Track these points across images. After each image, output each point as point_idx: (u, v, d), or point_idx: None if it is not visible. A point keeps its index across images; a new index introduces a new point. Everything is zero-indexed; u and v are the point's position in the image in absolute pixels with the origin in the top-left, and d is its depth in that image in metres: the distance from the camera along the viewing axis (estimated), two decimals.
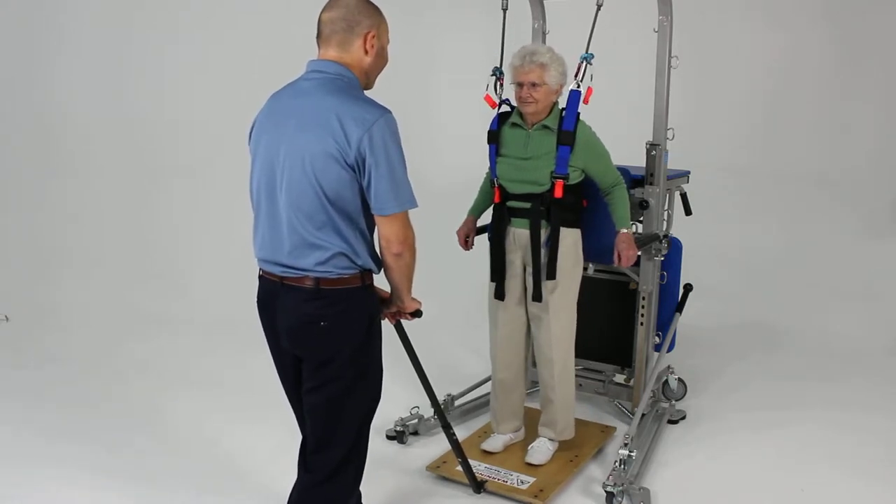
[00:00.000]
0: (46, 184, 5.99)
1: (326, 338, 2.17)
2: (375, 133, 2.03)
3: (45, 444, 3.51)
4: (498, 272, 3.24)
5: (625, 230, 3.17)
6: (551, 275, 3.12)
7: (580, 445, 3.39)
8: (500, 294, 3.26)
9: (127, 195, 5.99)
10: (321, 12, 2.20)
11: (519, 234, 3.19)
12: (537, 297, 3.16)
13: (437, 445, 3.47)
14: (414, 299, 2.39)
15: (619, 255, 3.13)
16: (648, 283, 3.57)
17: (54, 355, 4.65)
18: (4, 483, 3.18)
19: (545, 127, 3.10)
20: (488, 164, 3.37)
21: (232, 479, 3.21)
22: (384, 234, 2.14)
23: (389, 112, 2.09)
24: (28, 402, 3.98)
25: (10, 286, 5.54)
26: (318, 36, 2.20)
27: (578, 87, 3.12)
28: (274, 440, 3.47)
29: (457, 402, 3.76)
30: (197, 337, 4.95)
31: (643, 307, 3.61)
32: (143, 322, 5.18)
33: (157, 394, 4.09)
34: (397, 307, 2.40)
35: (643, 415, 3.47)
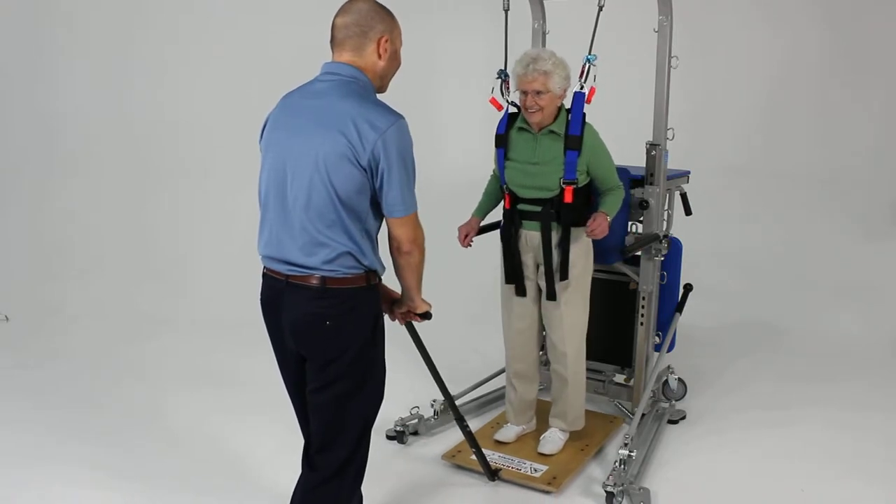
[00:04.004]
0: (48, 183, 6.00)
1: (332, 337, 2.17)
2: (389, 138, 2.05)
3: (45, 443, 3.51)
4: (513, 274, 3.29)
5: (606, 213, 3.13)
6: (564, 276, 3.18)
7: (590, 435, 3.48)
8: (521, 291, 3.31)
9: (128, 195, 6.00)
10: (335, 17, 2.20)
11: (531, 236, 3.22)
12: (551, 296, 3.21)
13: (437, 445, 3.48)
14: (424, 301, 2.42)
15: (590, 228, 3.07)
16: (648, 283, 3.57)
17: (55, 355, 4.65)
18: (5, 483, 3.18)
19: (552, 132, 3.12)
20: (492, 166, 3.39)
21: (233, 479, 3.21)
22: (395, 235, 2.17)
23: (403, 118, 2.11)
24: (29, 401, 3.98)
25: (11, 286, 5.54)
26: (332, 40, 2.21)
27: (582, 88, 3.14)
28: (275, 439, 3.48)
29: (469, 397, 3.81)
30: (198, 337, 4.95)
31: (643, 307, 3.61)
32: (144, 322, 5.17)
33: (159, 393, 4.09)
34: (408, 307, 2.43)
35: (643, 415, 3.48)
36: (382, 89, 2.27)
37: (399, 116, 2.10)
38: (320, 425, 2.28)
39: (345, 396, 2.23)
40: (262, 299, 2.31)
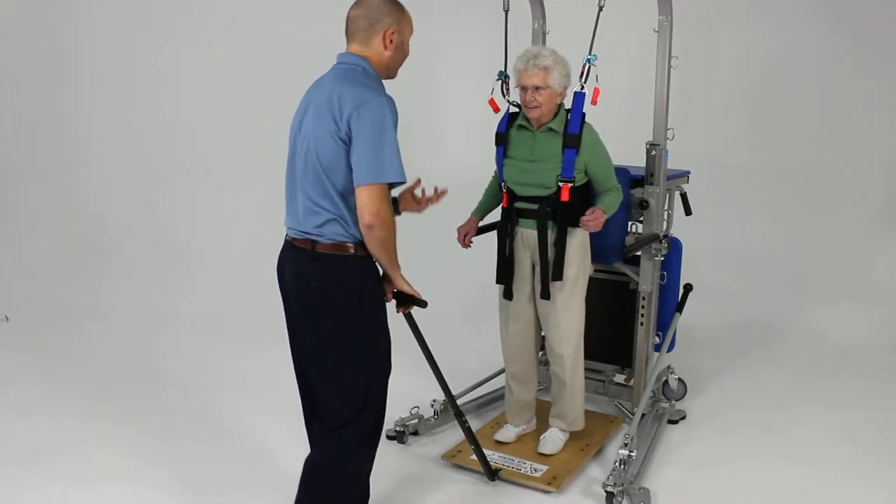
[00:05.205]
0: (48, 183, 6.00)
1: (317, 297, 2.34)
2: (364, 109, 2.20)
3: (46, 443, 3.52)
4: (504, 273, 3.28)
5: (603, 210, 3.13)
6: (557, 275, 3.17)
7: (590, 435, 3.48)
8: (508, 294, 3.32)
9: (128, 195, 6.00)
10: (349, 8, 2.38)
11: (527, 235, 3.22)
12: (545, 295, 3.20)
13: (437, 445, 3.48)
14: (406, 281, 2.46)
15: (586, 219, 3.07)
16: (648, 283, 3.57)
17: (55, 355, 4.65)
18: (5, 483, 3.18)
19: (551, 129, 3.12)
20: (493, 166, 3.39)
21: (233, 479, 3.21)
22: (358, 203, 2.26)
23: (388, 97, 2.24)
24: (29, 401, 3.98)
25: (11, 286, 5.54)
26: (346, 31, 2.39)
27: (583, 88, 3.14)
28: (275, 439, 3.49)
29: (469, 397, 3.80)
30: (198, 337, 4.94)
31: (643, 307, 3.61)
32: (144, 322, 5.17)
33: (158, 394, 4.09)
34: (394, 286, 2.49)
35: (643, 415, 3.48)
36: (391, 76, 2.43)
37: (383, 94, 2.24)
38: (322, 386, 2.42)
39: (338, 356, 2.35)
40: (277, 263, 2.49)
